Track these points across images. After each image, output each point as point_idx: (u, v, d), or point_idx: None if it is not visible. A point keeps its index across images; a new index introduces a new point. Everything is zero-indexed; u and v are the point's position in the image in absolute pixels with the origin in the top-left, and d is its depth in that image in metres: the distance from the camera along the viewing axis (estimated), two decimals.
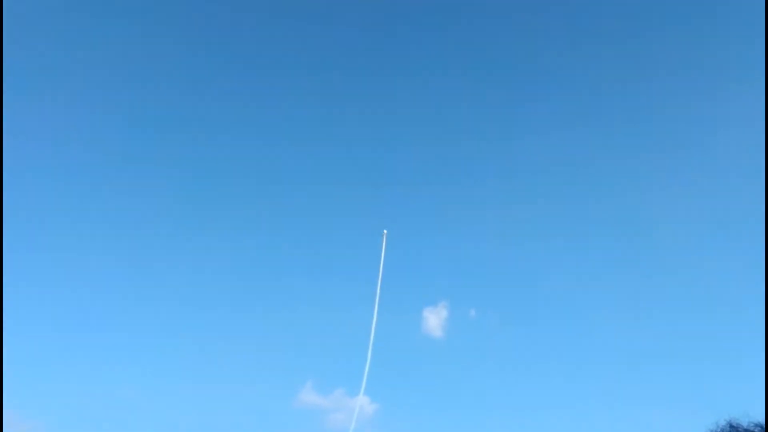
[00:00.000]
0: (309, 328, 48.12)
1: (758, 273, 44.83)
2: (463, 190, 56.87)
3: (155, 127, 60.87)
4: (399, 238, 45.00)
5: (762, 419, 23.04)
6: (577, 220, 55.23)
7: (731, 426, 23.51)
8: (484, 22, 65.05)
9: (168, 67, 62.70)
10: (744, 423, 23.30)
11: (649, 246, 50.74)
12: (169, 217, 55.58)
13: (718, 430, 23.78)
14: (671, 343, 45.15)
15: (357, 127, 62.05)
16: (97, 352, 46.58)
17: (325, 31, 64.85)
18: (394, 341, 44.64)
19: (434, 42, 65.26)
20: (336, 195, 58.00)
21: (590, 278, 50.45)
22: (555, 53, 63.23)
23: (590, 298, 48.61)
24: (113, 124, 60.23)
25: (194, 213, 56.52)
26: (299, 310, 49.81)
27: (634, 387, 43.79)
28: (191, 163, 59.46)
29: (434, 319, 47.78)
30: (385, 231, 44.46)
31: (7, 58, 49.87)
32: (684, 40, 61.39)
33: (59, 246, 53.95)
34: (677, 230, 52.05)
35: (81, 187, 56.99)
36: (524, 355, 47.21)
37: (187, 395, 44.24)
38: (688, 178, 55.99)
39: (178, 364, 45.86)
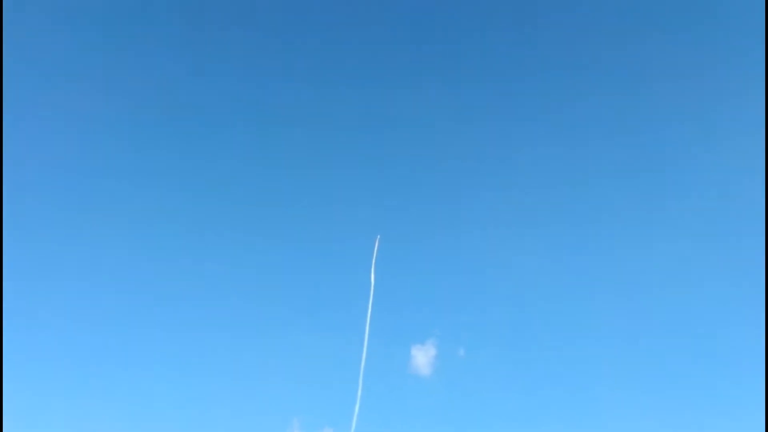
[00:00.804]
0: (294, 363, 46.88)
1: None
2: (453, 221, 56.06)
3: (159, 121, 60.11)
4: (385, 273, 44.22)
5: None
6: (574, 249, 54.31)
7: None
8: (485, 27, 64.67)
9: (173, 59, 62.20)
10: None
11: (657, 302, 50.15)
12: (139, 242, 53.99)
13: None
14: (676, 399, 44.10)
15: (340, 149, 60.99)
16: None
17: (317, 41, 64.57)
18: (381, 379, 43.34)
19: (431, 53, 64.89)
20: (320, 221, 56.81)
21: (588, 319, 49.45)
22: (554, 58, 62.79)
23: (587, 341, 47.64)
24: (115, 118, 59.47)
25: (173, 234, 54.94)
26: (284, 345, 48.55)
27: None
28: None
29: (422, 357, 46.56)
30: (378, 236, 43.98)
31: (7, 58, 49.36)
32: (684, 41, 61.11)
33: (59, 246, 52.95)
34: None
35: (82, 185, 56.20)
36: (515, 397, 46.01)
37: None
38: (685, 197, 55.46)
39: (155, 401, 44.27)
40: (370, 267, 45.08)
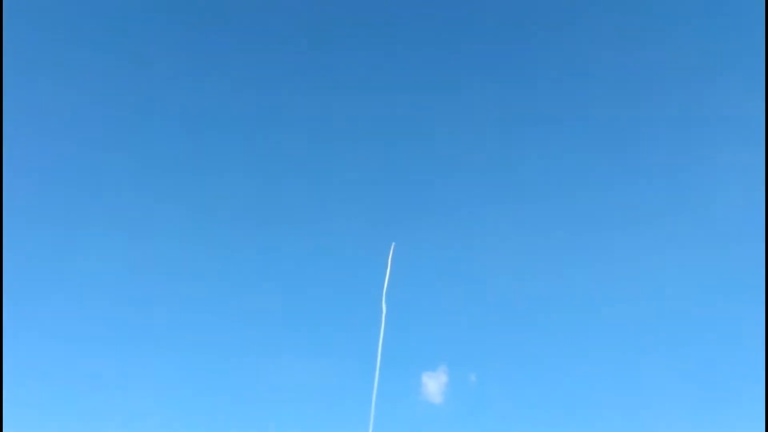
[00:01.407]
0: (304, 390, 46.48)
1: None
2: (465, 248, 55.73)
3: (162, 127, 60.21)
4: (396, 300, 43.98)
5: None
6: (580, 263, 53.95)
7: None
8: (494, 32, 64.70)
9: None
10: None
11: (672, 317, 49.58)
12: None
13: None
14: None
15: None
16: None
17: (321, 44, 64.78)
18: (392, 407, 42.71)
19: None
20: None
21: (602, 344, 48.78)
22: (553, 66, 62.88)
23: (600, 365, 47.01)
24: (117, 122, 59.63)
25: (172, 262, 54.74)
26: (293, 371, 48.14)
27: None
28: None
29: (433, 385, 46.04)
30: (393, 243, 43.85)
31: (7, 58, 49.78)
32: (684, 42, 61.13)
33: (59, 246, 52.90)
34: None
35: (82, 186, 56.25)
36: (527, 424, 45.28)
37: None
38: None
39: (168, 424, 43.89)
40: (381, 293, 44.96)
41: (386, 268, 46.62)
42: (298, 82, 64.69)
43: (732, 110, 56.17)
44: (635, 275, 52.34)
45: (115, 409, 45.43)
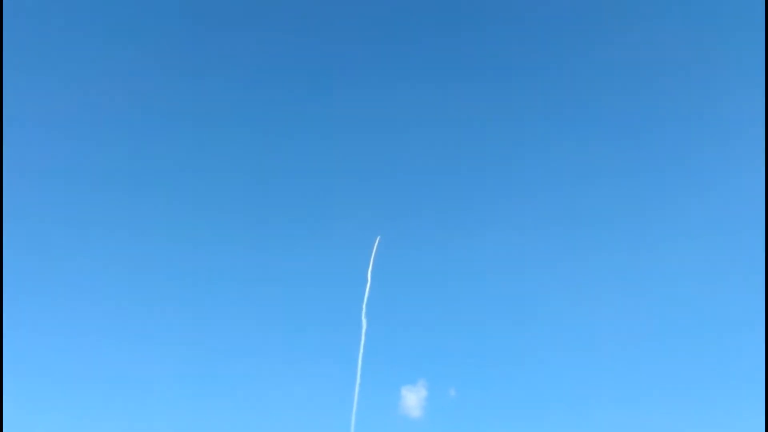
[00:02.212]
0: (285, 402, 46.31)
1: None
2: (445, 260, 55.76)
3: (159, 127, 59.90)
4: (376, 315, 44.21)
5: None
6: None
7: None
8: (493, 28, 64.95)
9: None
10: None
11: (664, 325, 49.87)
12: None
13: None
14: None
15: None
16: None
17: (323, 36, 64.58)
18: (371, 421, 42.74)
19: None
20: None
21: (581, 360, 49.04)
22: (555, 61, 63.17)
23: (580, 382, 47.28)
24: (115, 122, 59.31)
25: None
26: (274, 383, 47.93)
27: None
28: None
29: (412, 398, 46.07)
30: (378, 237, 44.27)
31: (7, 58, 50.00)
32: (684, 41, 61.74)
33: (58, 247, 52.40)
34: None
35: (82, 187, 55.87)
36: None
37: None
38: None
39: None
40: (361, 308, 45.13)
41: (366, 284, 46.95)
42: (293, 78, 65.02)
43: (732, 108, 57.14)
44: (626, 289, 52.56)
45: (92, 401, 45.20)
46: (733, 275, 50.19)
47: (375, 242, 45.65)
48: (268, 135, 62.66)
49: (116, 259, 52.83)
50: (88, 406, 44.51)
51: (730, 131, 57.04)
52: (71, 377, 46.19)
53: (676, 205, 56.25)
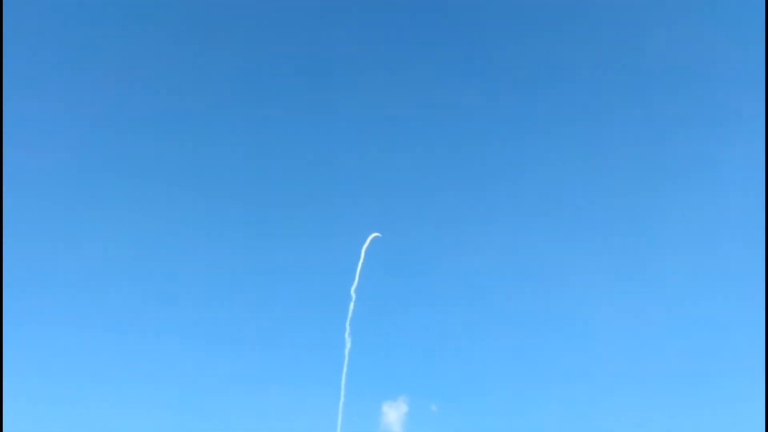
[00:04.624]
0: (265, 417, 47.04)
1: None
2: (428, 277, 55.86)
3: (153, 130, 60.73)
4: (358, 331, 44.78)
5: None
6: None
7: None
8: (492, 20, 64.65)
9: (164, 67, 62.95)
10: None
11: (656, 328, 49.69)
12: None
13: None
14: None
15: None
16: None
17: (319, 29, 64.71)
18: None
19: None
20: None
21: (565, 384, 49.04)
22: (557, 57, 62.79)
23: (562, 407, 47.38)
24: (110, 126, 60.26)
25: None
26: (256, 399, 48.66)
27: None
28: None
29: (393, 414, 46.59)
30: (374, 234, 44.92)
31: (7, 59, 50.77)
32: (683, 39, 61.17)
33: (58, 247, 53.68)
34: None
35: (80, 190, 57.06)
36: None
37: None
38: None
39: None
40: (345, 325, 45.64)
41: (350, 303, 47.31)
42: (289, 66, 65.00)
43: (733, 108, 56.55)
44: (619, 301, 52.37)
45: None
46: (733, 275, 50.43)
47: (365, 243, 46.19)
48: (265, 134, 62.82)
49: (97, 255, 53.58)
50: (79, 400, 45.56)
51: (730, 131, 56.68)
52: (69, 374, 47.39)
53: (676, 205, 56.02)
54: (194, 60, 63.72)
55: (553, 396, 48.06)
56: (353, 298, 45.77)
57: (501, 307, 53.10)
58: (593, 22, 63.18)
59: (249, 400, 48.17)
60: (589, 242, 56.07)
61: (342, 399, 43.24)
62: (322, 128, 62.46)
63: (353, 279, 46.28)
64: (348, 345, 44.50)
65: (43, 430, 43.20)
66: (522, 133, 62.59)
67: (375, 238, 47.91)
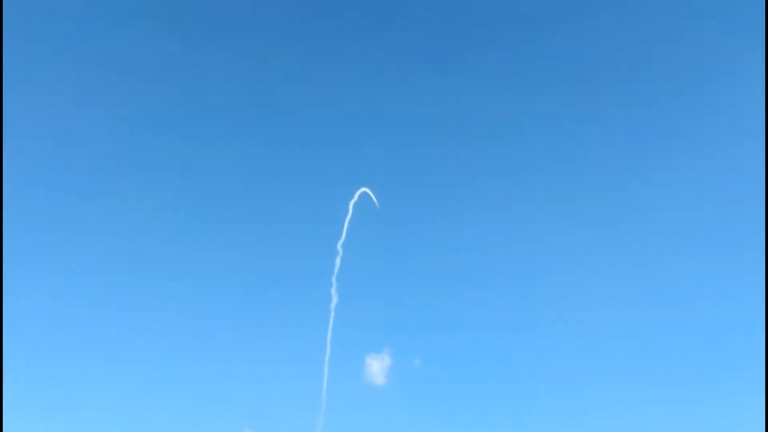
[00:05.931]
0: (249, 371, 47.25)
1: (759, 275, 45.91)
2: (413, 229, 56.03)
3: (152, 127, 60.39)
4: (343, 285, 44.77)
5: None
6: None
7: None
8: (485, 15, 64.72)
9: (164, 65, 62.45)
10: None
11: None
12: None
13: None
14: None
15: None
16: None
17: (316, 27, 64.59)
18: (335, 389, 43.69)
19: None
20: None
21: (545, 338, 49.67)
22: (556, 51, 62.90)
23: (541, 361, 48.02)
24: (110, 124, 59.77)
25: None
26: (234, 358, 48.80)
27: None
28: None
29: (377, 367, 47.03)
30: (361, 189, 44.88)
31: (7, 59, 50.10)
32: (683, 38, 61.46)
33: (57, 248, 53.29)
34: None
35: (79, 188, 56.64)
36: (469, 406, 46.60)
37: None
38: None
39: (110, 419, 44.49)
40: (331, 279, 45.61)
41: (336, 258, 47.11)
42: (290, 55, 64.76)
43: (733, 107, 57.07)
44: (605, 265, 52.80)
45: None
46: (733, 275, 50.91)
47: (353, 198, 46.04)
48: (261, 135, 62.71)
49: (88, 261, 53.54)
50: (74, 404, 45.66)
51: (730, 131, 57.10)
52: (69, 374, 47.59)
53: (676, 204, 56.40)
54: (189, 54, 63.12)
55: (538, 354, 48.83)
56: (340, 253, 45.65)
57: (486, 263, 53.60)
58: (593, 22, 63.49)
59: (238, 351, 48.48)
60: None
61: (328, 351, 43.35)
62: (315, 79, 62.17)
63: (341, 233, 46.21)
64: (334, 300, 44.46)
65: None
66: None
67: (363, 193, 47.66)
